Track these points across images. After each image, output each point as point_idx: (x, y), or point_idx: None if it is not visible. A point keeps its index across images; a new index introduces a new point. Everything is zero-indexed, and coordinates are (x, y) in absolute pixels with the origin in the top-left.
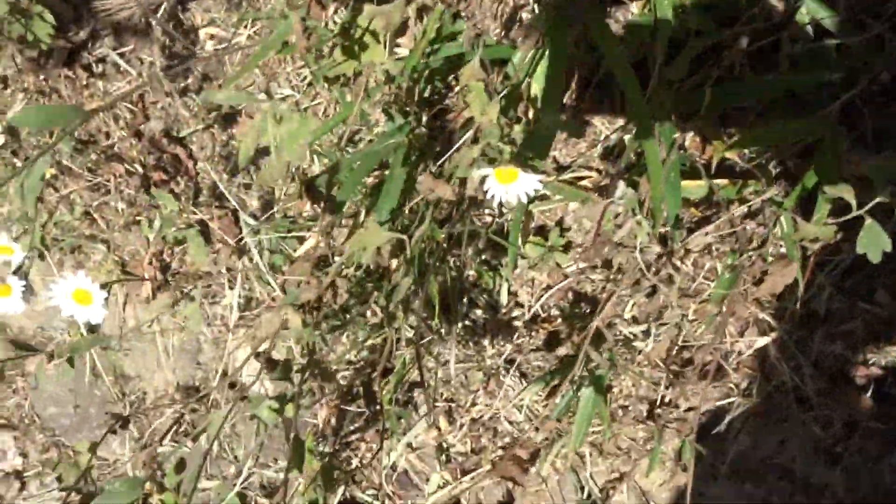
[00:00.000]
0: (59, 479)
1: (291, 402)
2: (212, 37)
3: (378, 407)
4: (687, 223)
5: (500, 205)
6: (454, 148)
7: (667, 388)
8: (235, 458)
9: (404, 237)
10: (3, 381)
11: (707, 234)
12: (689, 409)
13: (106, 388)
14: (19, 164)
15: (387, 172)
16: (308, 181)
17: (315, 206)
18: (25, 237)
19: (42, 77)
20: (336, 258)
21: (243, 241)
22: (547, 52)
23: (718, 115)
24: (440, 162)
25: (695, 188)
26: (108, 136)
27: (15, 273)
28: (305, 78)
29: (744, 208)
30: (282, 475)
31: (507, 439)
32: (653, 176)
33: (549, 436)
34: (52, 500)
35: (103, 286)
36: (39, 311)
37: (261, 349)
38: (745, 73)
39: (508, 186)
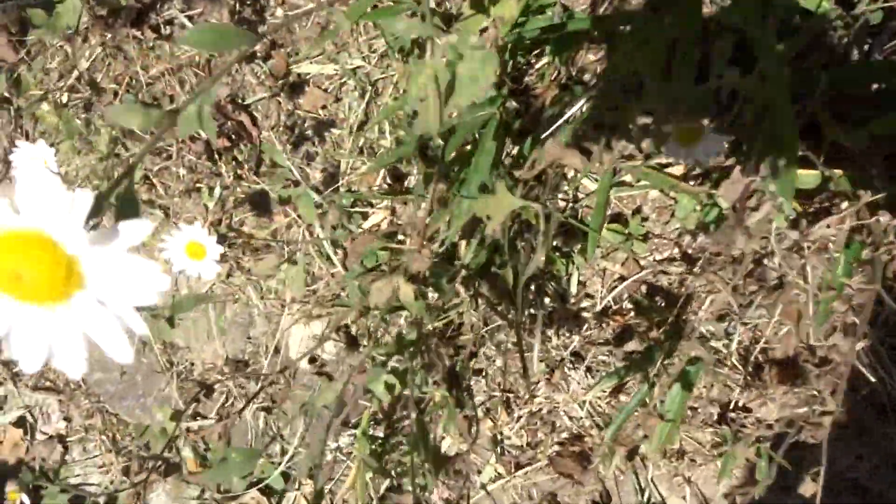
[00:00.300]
0: (146, 445)
1: (405, 378)
2: (282, 2)
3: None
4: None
5: (576, 189)
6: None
7: (742, 391)
8: (281, 436)
9: (538, 205)
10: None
11: (829, 226)
12: (759, 418)
13: (154, 357)
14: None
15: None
16: (422, 144)
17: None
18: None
19: (109, 36)
20: (404, 233)
21: (300, 215)
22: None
23: (829, 100)
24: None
25: (807, 177)
26: (172, 100)
27: None
28: (376, 50)
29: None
30: (329, 456)
31: (564, 435)
32: (787, 150)
33: (648, 432)
34: (94, 466)
35: (220, 240)
36: None
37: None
38: (862, 59)
39: (690, 148)
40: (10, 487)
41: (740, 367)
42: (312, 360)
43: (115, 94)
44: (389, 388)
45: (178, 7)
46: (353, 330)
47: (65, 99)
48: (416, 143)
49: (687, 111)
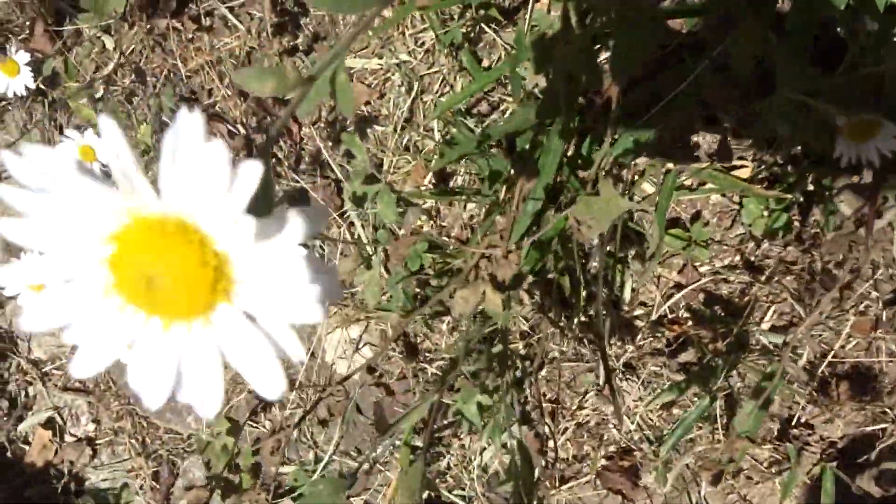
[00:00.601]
0: (207, 465)
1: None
2: None
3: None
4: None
5: (632, 191)
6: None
7: (804, 407)
8: (315, 443)
9: (644, 208)
10: None
11: None
12: (824, 435)
13: None
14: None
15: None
16: (511, 137)
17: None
18: None
19: (148, 27)
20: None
21: (346, 214)
22: None
23: None
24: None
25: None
26: (210, 93)
27: None
28: (423, 44)
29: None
30: (365, 465)
31: (613, 448)
32: None
33: (731, 455)
34: (123, 470)
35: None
36: None
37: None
38: None
39: (863, 144)
40: None
41: (806, 382)
42: (371, 371)
43: (154, 86)
44: (482, 409)
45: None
46: (413, 338)
47: (101, 92)
48: (504, 140)
49: (857, 102)
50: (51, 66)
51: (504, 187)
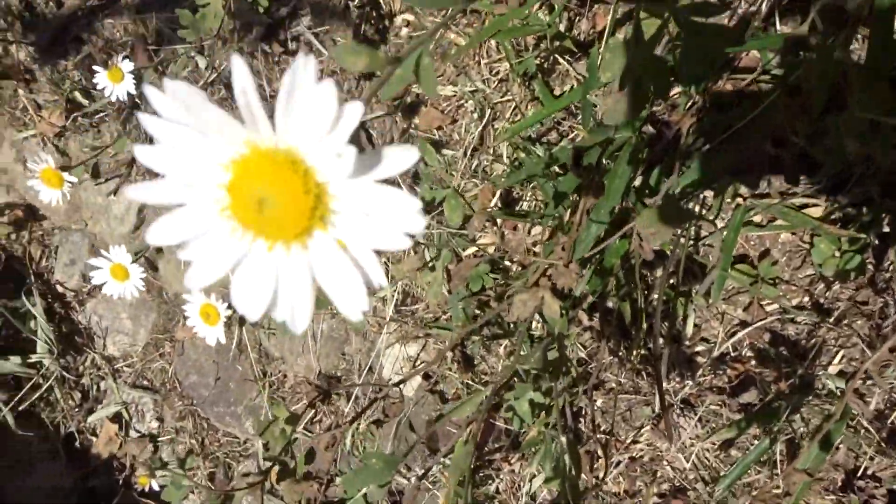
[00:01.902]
0: (265, 446)
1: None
2: (407, 23)
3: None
4: None
5: (699, 225)
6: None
7: (871, 458)
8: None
9: (708, 220)
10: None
11: None
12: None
13: (248, 365)
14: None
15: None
16: (577, 151)
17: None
18: None
19: (238, 48)
20: (510, 259)
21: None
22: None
23: None
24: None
25: None
26: None
27: None
28: (497, 73)
29: None
30: (413, 481)
31: (666, 486)
32: None
33: (789, 488)
34: (181, 469)
35: (230, 306)
36: None
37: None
38: None
39: None
40: (141, 472)
41: (873, 432)
42: (427, 377)
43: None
44: (534, 406)
45: (305, 24)
46: (469, 350)
47: None
48: (571, 153)
49: None
50: (150, 77)
51: (568, 210)
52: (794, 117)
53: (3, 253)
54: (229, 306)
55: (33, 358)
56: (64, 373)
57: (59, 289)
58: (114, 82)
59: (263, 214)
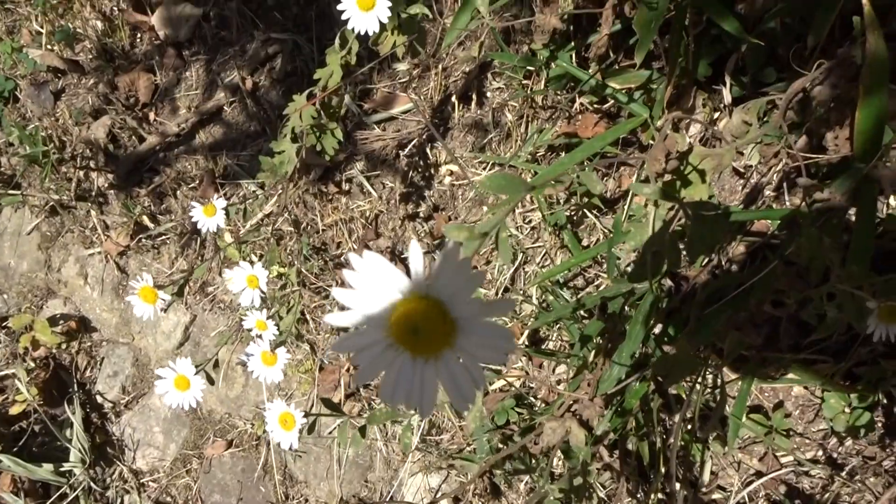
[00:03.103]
0: None
1: None
2: (451, 173)
3: None
4: None
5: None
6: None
7: None
8: None
9: (721, 361)
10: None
11: None
12: None
13: (272, 486)
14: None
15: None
16: (603, 301)
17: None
18: (287, 318)
19: (296, 188)
20: (534, 396)
21: None
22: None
23: None
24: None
25: None
26: (338, 245)
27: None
28: (530, 222)
29: None
30: None
31: None
32: None
33: None
34: None
35: (306, 414)
36: (231, 397)
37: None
38: None
39: (891, 326)
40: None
41: None
42: (457, 500)
43: (291, 237)
44: None
45: (359, 168)
46: (497, 478)
47: (248, 237)
48: (598, 302)
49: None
50: (237, 213)
51: (592, 352)
52: (791, 284)
53: (52, 361)
54: (305, 414)
55: (65, 466)
56: (92, 483)
57: (99, 399)
58: (207, 216)
59: (415, 337)
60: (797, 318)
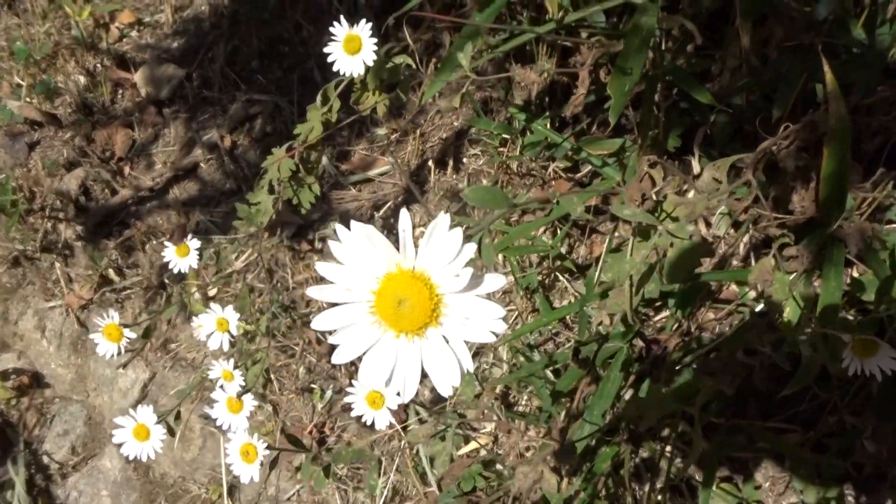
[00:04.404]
0: None
1: None
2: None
3: None
4: None
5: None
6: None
7: None
8: None
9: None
10: None
11: None
12: None
13: None
14: None
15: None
16: (577, 346)
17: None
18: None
19: (267, 252)
20: (502, 463)
21: (408, 428)
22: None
23: None
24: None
25: None
26: (308, 304)
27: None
28: (503, 285)
29: None
30: None
31: None
32: None
33: None
34: None
35: (269, 447)
36: (187, 459)
37: None
38: None
39: (867, 360)
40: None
41: None
42: None
43: (260, 293)
44: None
45: (332, 228)
46: None
47: (214, 292)
48: (572, 349)
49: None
50: (207, 254)
51: (563, 412)
52: (762, 334)
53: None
54: (268, 447)
55: None
56: None
57: (46, 459)
58: (180, 256)
59: (399, 310)
60: (770, 367)
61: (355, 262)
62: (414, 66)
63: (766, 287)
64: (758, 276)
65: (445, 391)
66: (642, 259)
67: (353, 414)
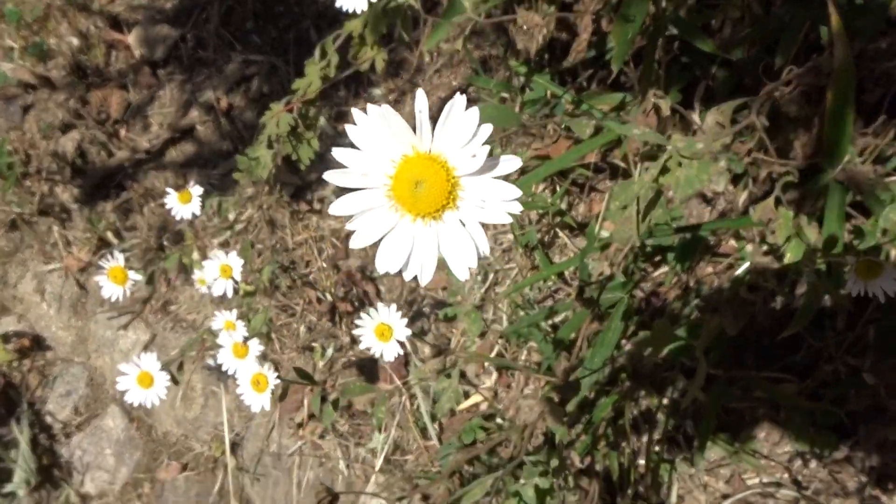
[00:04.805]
0: None
1: None
2: None
3: None
4: None
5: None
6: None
7: None
8: None
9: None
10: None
11: None
12: None
13: None
14: None
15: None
16: (581, 286)
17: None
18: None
19: (267, 206)
20: (502, 417)
21: (408, 384)
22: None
23: None
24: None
25: None
26: (307, 264)
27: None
28: (502, 244)
29: None
30: None
31: None
32: None
33: None
34: None
35: (279, 376)
36: (189, 418)
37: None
38: None
39: (870, 282)
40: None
41: None
42: None
43: (260, 253)
44: (539, 492)
45: (331, 188)
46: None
47: (215, 243)
48: (576, 288)
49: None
50: (211, 203)
51: (564, 362)
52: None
53: (2, 378)
54: (279, 376)
55: (7, 488)
56: None
57: (49, 419)
58: (182, 203)
59: (416, 193)
60: (771, 310)
61: (371, 145)
62: (416, 5)
63: (770, 225)
64: (762, 215)
65: (462, 274)
66: (651, 179)
67: (361, 346)
